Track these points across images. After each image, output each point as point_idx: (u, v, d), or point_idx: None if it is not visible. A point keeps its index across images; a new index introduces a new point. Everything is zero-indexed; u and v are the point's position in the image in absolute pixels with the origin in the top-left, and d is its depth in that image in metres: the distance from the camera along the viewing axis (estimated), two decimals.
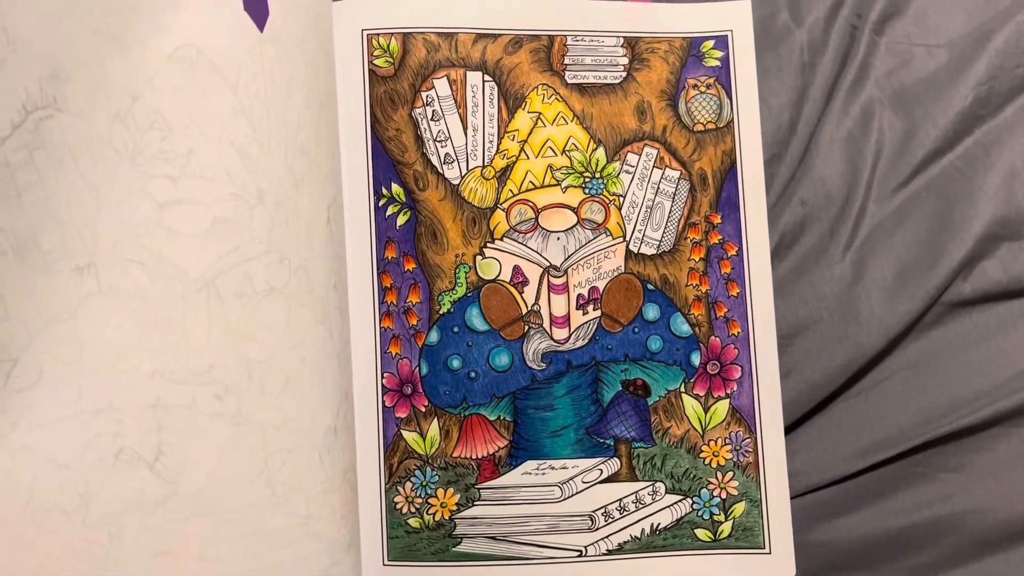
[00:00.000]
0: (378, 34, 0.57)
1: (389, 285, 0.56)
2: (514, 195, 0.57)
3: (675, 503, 0.57)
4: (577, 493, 0.56)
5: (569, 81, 0.58)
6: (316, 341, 0.52)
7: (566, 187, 0.58)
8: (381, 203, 0.56)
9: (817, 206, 0.61)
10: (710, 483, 0.57)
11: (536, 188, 0.58)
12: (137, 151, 0.44)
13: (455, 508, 0.56)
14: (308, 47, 0.51)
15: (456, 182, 0.57)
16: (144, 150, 0.45)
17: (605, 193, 0.58)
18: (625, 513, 0.56)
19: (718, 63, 0.59)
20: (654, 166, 0.58)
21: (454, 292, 0.57)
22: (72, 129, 0.42)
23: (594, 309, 0.57)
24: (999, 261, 0.61)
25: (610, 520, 0.56)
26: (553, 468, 0.56)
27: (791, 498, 0.57)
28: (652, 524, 0.56)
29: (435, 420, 0.56)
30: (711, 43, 0.59)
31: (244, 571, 0.50)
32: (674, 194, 0.58)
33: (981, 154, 0.62)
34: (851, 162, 0.61)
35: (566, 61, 0.58)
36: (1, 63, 0.40)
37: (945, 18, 0.65)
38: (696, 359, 0.57)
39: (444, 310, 0.57)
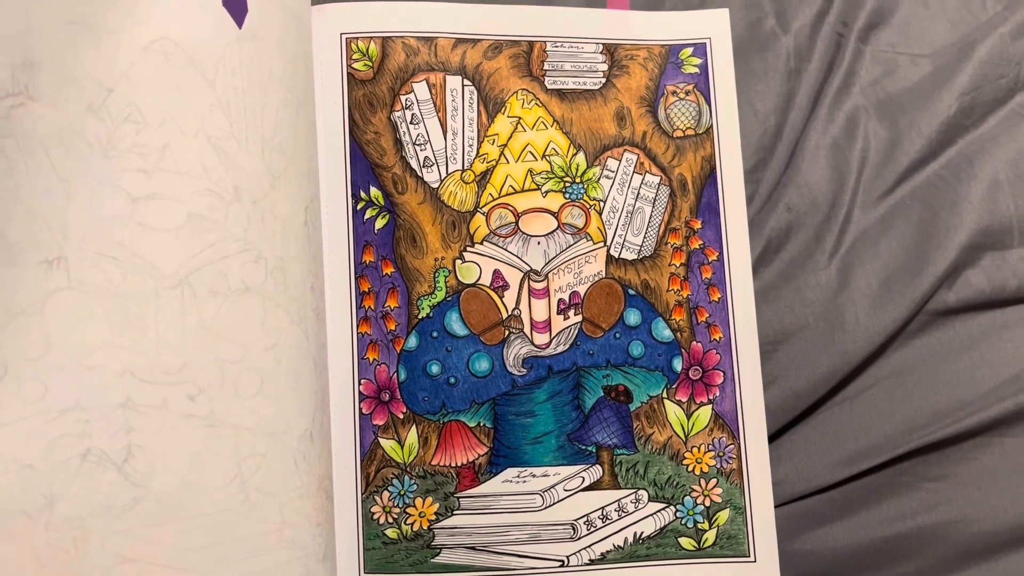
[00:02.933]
0: (357, 38, 0.57)
1: (367, 289, 0.56)
2: (494, 199, 0.57)
3: (658, 511, 0.56)
4: (559, 501, 0.55)
5: (548, 87, 0.58)
6: (292, 343, 0.51)
7: (546, 191, 0.57)
8: (359, 206, 0.56)
9: (803, 212, 0.61)
10: (693, 490, 0.56)
11: (516, 192, 0.57)
12: (111, 144, 0.44)
13: (434, 518, 0.55)
14: (286, 47, 0.51)
15: (435, 186, 0.57)
16: (118, 143, 0.44)
17: (585, 198, 0.58)
18: (608, 522, 0.55)
19: (697, 70, 0.59)
20: (634, 171, 0.58)
21: (433, 296, 0.56)
22: (44, 119, 0.42)
23: (575, 314, 0.57)
24: (982, 271, 0.61)
25: (592, 529, 0.55)
26: (534, 476, 0.56)
27: (775, 507, 0.56)
28: (635, 533, 0.55)
29: (413, 427, 0.55)
30: (690, 50, 0.60)
31: None
32: (654, 199, 0.58)
33: (965, 164, 0.62)
34: (836, 169, 0.62)
35: (545, 67, 0.58)
36: None
37: (929, 28, 0.65)
38: (678, 365, 0.57)
39: (423, 315, 0.56)
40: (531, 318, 0.56)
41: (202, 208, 0.47)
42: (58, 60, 0.42)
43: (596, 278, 0.57)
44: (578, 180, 0.58)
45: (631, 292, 0.57)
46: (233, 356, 0.48)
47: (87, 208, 0.44)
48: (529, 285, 0.57)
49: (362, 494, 0.55)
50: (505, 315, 0.57)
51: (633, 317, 0.57)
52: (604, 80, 0.59)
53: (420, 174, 0.57)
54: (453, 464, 0.55)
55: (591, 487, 0.56)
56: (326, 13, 0.56)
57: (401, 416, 0.55)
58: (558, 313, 0.57)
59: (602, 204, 0.58)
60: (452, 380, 0.56)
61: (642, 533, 0.55)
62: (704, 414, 0.57)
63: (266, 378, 0.50)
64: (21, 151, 0.42)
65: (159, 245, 0.46)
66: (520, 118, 0.58)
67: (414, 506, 0.55)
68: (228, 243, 0.48)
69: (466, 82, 0.58)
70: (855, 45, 0.64)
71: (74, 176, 0.43)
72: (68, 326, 0.44)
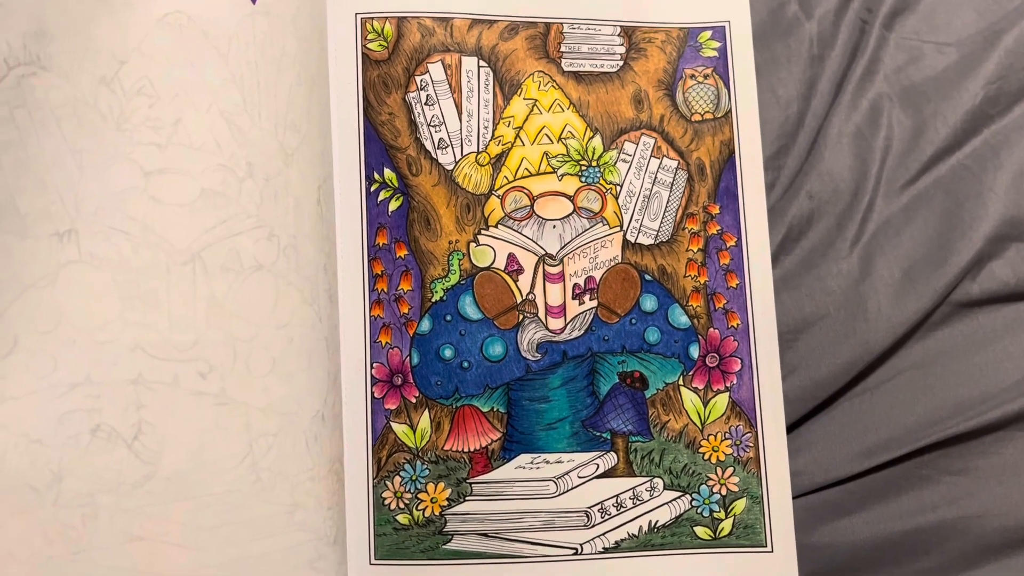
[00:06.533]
0: (372, 18, 0.57)
1: (380, 272, 0.55)
2: (509, 182, 0.57)
3: (674, 500, 0.55)
4: (573, 488, 0.54)
5: (565, 69, 0.58)
6: (304, 323, 0.51)
7: (562, 175, 0.57)
8: (373, 188, 0.56)
9: (825, 200, 0.60)
10: (710, 479, 0.55)
11: (532, 175, 0.57)
12: (123, 117, 0.44)
13: (446, 503, 0.54)
14: (300, 25, 0.51)
15: (450, 168, 0.57)
16: (131, 116, 0.44)
17: (602, 182, 0.57)
18: (622, 510, 0.55)
19: (716, 53, 0.59)
20: (651, 155, 0.57)
21: (447, 280, 0.56)
22: (56, 90, 0.42)
23: (590, 299, 0.56)
24: (1008, 262, 0.60)
25: (607, 517, 0.54)
26: (548, 462, 0.55)
27: (794, 498, 0.55)
28: (650, 521, 0.54)
29: (426, 412, 0.55)
30: (708, 33, 0.59)
31: (225, 560, 0.49)
32: (672, 183, 0.57)
33: (990, 154, 0.61)
34: (859, 157, 0.61)
35: (562, 49, 0.58)
36: None
37: (955, 16, 0.64)
38: (695, 351, 0.56)
39: (436, 298, 0.56)
40: (546, 303, 0.56)
41: (215, 183, 0.47)
42: (71, 31, 0.42)
43: (612, 263, 0.57)
44: (594, 164, 0.57)
45: (647, 277, 0.57)
46: (245, 334, 0.48)
47: (99, 181, 0.44)
48: (544, 269, 0.56)
49: (373, 479, 0.54)
50: (519, 299, 0.56)
51: (649, 303, 0.56)
52: (621, 63, 0.58)
53: (435, 156, 0.56)
54: (466, 449, 0.55)
55: (605, 474, 0.55)
56: None
57: (414, 400, 0.55)
58: (573, 298, 0.56)
59: (619, 188, 0.57)
60: (465, 364, 0.55)
61: (657, 522, 0.55)
62: (721, 402, 0.56)
63: (278, 357, 0.50)
64: (33, 122, 0.42)
65: (171, 220, 0.46)
66: (536, 100, 0.57)
67: (426, 491, 0.54)
68: (241, 219, 0.48)
69: (482, 63, 0.57)
70: (879, 32, 0.63)
71: (86, 148, 0.43)
72: (79, 300, 0.44)
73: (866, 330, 0.58)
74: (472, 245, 0.56)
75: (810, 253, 0.59)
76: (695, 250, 0.57)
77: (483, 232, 0.56)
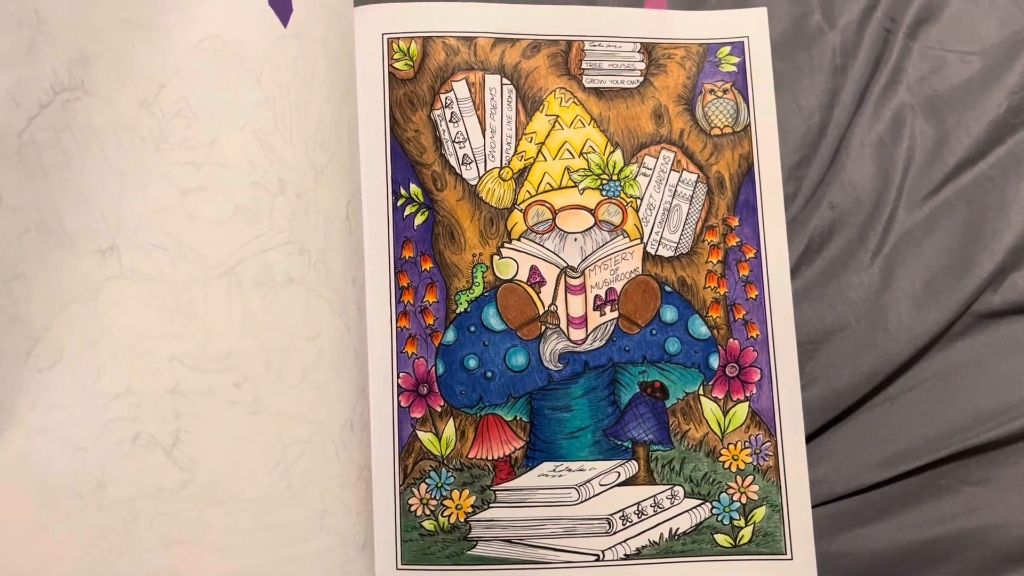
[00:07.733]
0: (398, 38, 0.58)
1: (406, 284, 0.57)
2: (531, 196, 0.58)
3: (694, 507, 0.56)
4: (594, 496, 0.56)
5: (587, 85, 0.59)
6: (334, 334, 0.52)
7: (583, 189, 0.58)
8: (399, 203, 0.57)
9: (846, 211, 0.60)
10: (730, 487, 0.56)
11: (553, 189, 0.58)
12: (162, 137, 0.46)
13: (470, 510, 0.56)
14: (330, 45, 0.53)
15: (474, 183, 0.58)
16: (169, 136, 0.46)
17: (622, 195, 0.58)
18: (643, 517, 0.56)
19: (734, 69, 0.60)
20: (671, 169, 0.58)
21: (471, 292, 0.57)
22: (98, 113, 0.44)
23: (611, 310, 0.57)
24: None
25: (628, 524, 0.55)
26: (570, 470, 0.56)
27: (813, 506, 0.56)
28: (671, 529, 0.55)
29: (451, 420, 0.56)
30: (727, 49, 0.60)
31: (259, 564, 0.50)
32: (691, 197, 0.58)
33: (1013, 164, 0.61)
34: (881, 167, 0.61)
35: (583, 66, 0.59)
36: (31, 44, 0.42)
37: (979, 25, 0.64)
38: (714, 361, 0.57)
39: (461, 309, 0.57)
40: (567, 314, 0.57)
41: (248, 200, 0.48)
42: (113, 56, 0.44)
43: (632, 275, 0.58)
44: (615, 178, 0.58)
45: (668, 289, 0.58)
46: (277, 345, 0.50)
47: (140, 199, 0.45)
48: (566, 281, 0.57)
49: (400, 486, 0.56)
50: (542, 311, 0.57)
51: (670, 314, 0.57)
52: (642, 79, 0.59)
53: (459, 171, 0.58)
54: (490, 457, 0.56)
55: (627, 482, 0.56)
56: (368, 13, 0.58)
57: (439, 409, 0.56)
58: (594, 309, 0.57)
59: (639, 201, 0.58)
60: (489, 374, 0.57)
61: (678, 529, 0.55)
62: (741, 411, 0.57)
63: (309, 367, 0.51)
64: (77, 143, 0.44)
65: (207, 236, 0.47)
66: (558, 116, 0.59)
67: (451, 498, 0.56)
68: (273, 235, 0.49)
69: (505, 81, 0.59)
70: (903, 42, 0.63)
71: (127, 168, 0.45)
72: (121, 313, 0.46)
73: (886, 341, 0.58)
74: (495, 258, 0.57)
75: (831, 264, 0.60)
76: (715, 262, 0.58)
77: (506, 245, 0.57)
